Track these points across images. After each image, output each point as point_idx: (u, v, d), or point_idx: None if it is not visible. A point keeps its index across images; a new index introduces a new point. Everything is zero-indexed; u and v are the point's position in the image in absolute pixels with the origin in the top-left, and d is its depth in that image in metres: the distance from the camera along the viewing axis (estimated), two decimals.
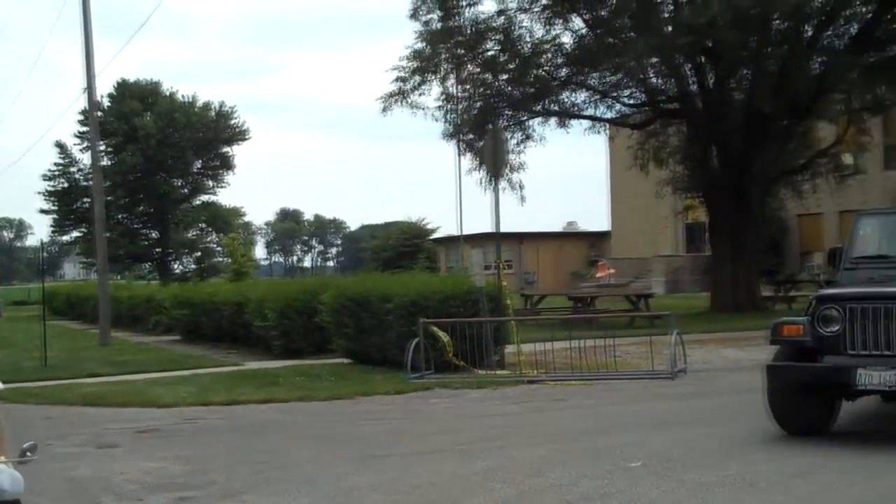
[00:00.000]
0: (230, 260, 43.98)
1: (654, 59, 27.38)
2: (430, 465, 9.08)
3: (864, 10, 28.06)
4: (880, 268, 10.47)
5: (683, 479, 7.99)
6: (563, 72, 28.97)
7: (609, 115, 32.21)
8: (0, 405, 3.72)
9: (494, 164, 16.53)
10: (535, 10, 29.17)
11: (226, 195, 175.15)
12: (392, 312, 16.56)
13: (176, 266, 70.86)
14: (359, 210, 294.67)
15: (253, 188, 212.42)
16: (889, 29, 28.69)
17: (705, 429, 10.27)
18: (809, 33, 28.00)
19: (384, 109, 28.39)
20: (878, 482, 7.77)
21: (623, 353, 16.91)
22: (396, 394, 14.28)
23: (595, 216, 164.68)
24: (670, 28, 25.31)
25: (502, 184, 27.53)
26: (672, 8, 27.74)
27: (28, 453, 3.49)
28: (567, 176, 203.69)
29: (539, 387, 14.62)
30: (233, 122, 68.36)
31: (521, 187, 29.65)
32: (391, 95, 28.33)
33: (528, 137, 29.86)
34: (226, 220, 71.33)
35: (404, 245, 59.71)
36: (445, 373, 15.68)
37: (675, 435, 9.95)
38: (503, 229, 17.98)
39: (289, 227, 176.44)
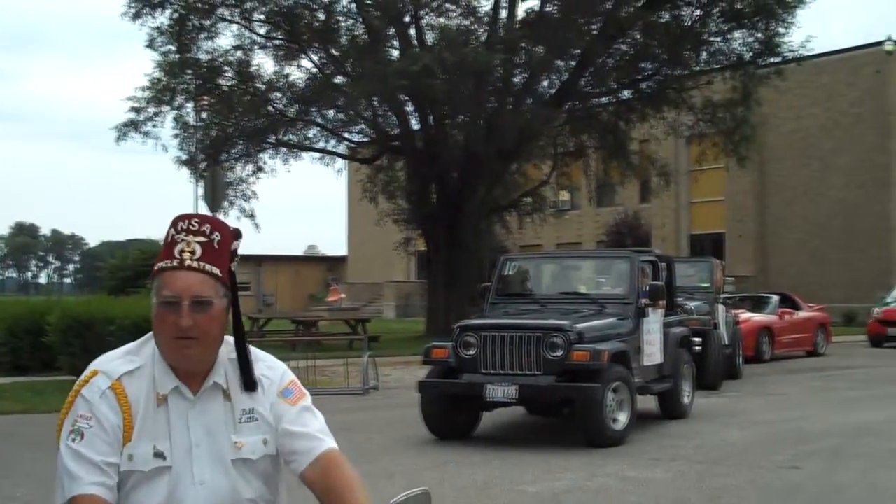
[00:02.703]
0: None
1: (377, 100, 29.58)
2: None
3: (566, 64, 31.26)
4: (517, 303, 12.87)
5: None
6: (294, 108, 30.83)
7: (340, 148, 34.34)
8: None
9: (213, 201, 18.24)
10: (270, 47, 30.98)
11: None
12: (115, 334, 17.86)
13: None
14: (99, 226, 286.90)
15: None
16: (591, 82, 32.05)
17: (372, 434, 12.30)
18: (522, 84, 30.98)
19: (118, 138, 29.44)
20: (485, 471, 9.94)
21: (331, 372, 18.91)
22: None
23: (336, 241, 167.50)
24: (390, 72, 27.47)
25: (234, 211, 29.13)
26: (399, 52, 30.11)
27: None
28: (314, 201, 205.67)
29: None
30: None
31: (253, 215, 31.33)
32: (126, 125, 29.39)
33: (259, 169, 31.59)
34: None
35: (143, 265, 59.70)
36: None
37: (344, 439, 11.80)
38: (242, 252, 19.66)
39: (24, 241, 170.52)
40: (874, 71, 42.23)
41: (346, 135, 33.14)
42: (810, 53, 31.48)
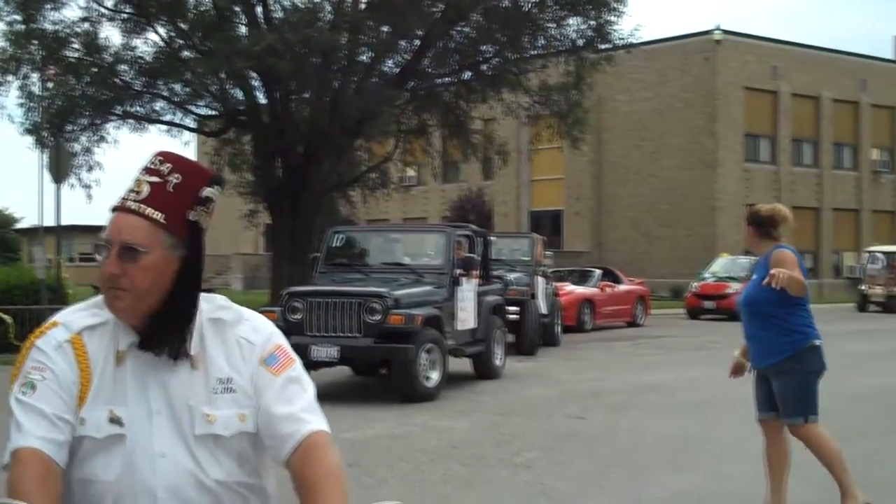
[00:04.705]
0: None
1: (223, 75, 30.16)
2: None
3: (410, 45, 32.36)
4: (343, 273, 14.03)
5: None
6: (140, 81, 31.18)
7: (187, 121, 34.76)
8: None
9: (58, 171, 18.85)
10: (119, 19, 31.24)
11: None
12: None
13: None
14: None
15: None
16: (433, 63, 33.21)
17: None
18: (367, 63, 31.94)
19: None
20: None
21: None
22: None
23: None
24: (234, 52, 28.08)
25: (72, 180, 29.49)
26: (246, 28, 30.73)
27: None
28: None
29: None
30: None
31: (89, 186, 31.51)
32: None
33: (102, 139, 31.88)
34: None
35: None
36: (7, 353, 17.73)
37: None
38: (90, 222, 20.25)
39: None
40: (703, 58, 44.57)
41: (193, 108, 33.58)
42: (639, 41, 33.26)
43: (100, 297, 2.40)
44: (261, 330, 2.48)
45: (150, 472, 2.29)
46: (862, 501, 6.61)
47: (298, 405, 2.40)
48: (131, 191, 2.34)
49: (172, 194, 2.32)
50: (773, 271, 6.21)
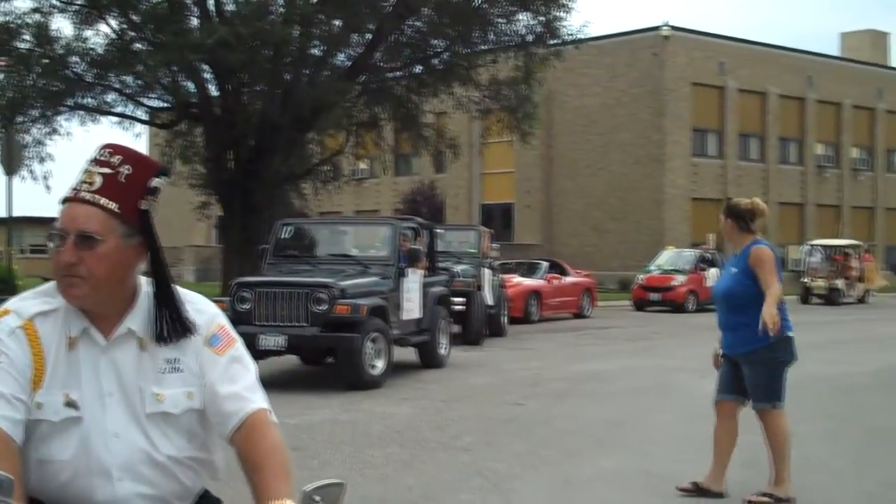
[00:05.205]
0: None
1: (175, 68, 30.27)
2: None
3: (362, 38, 32.65)
4: (291, 264, 14.37)
5: None
6: (92, 73, 31.20)
7: (139, 113, 34.79)
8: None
9: (8, 165, 19.01)
10: (70, 11, 31.24)
11: None
12: None
13: None
14: None
15: None
16: (384, 57, 33.52)
17: None
18: (319, 56, 32.17)
19: None
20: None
21: None
22: None
23: None
24: (187, 45, 28.25)
25: (24, 173, 29.54)
26: (198, 21, 30.84)
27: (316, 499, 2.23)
28: None
29: None
30: None
31: (46, 178, 31.55)
32: None
33: (54, 131, 31.89)
34: None
35: None
36: None
37: None
38: (41, 214, 20.43)
39: None
40: (652, 54, 45.21)
41: (145, 100, 33.61)
42: (588, 37, 33.73)
43: (49, 285, 2.50)
44: (204, 311, 2.60)
45: (104, 451, 2.43)
46: (791, 491, 7.02)
47: (241, 384, 2.54)
48: (83, 182, 2.43)
49: (125, 185, 2.43)
50: (766, 319, 6.55)
